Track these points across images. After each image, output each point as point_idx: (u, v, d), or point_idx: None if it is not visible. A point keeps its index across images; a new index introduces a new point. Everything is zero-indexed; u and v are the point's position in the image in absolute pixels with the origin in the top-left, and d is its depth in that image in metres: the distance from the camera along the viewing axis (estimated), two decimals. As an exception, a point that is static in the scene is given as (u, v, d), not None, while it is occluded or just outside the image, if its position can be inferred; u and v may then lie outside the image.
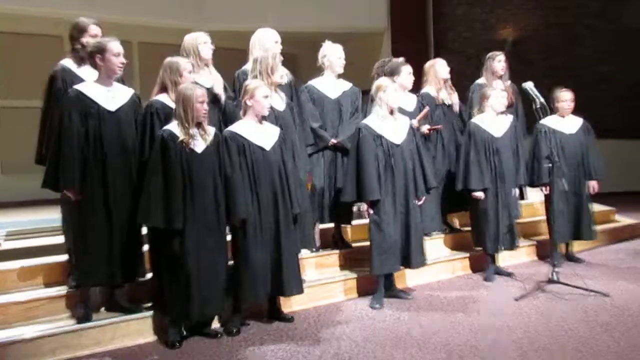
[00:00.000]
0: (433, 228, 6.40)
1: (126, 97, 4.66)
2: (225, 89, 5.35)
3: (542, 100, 5.76)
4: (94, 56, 4.56)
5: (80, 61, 4.78)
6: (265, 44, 5.40)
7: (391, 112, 5.37)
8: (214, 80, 5.27)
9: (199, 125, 4.49)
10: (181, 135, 4.40)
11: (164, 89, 4.74)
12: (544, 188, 6.32)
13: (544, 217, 6.73)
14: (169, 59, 4.78)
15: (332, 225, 5.99)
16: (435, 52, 11.70)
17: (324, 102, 5.77)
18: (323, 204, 5.76)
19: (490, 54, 6.90)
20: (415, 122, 5.81)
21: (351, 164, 5.30)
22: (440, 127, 6.28)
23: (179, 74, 4.72)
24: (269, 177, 4.67)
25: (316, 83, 5.84)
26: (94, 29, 4.95)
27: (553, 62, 11.12)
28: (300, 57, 8.75)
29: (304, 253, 5.55)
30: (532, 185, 6.50)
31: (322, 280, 5.61)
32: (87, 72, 4.74)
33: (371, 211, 5.24)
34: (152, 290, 4.78)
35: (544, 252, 6.88)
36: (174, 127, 4.44)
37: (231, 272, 4.65)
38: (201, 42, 5.21)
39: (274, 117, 5.07)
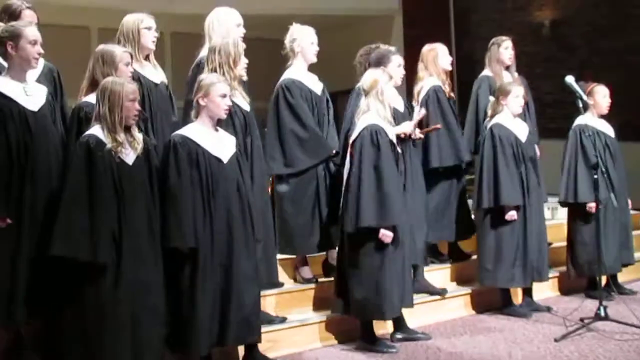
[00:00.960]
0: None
1: (42, 96, 4.63)
2: (169, 89, 5.35)
3: (585, 98, 5.78)
4: (4, 43, 4.51)
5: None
6: (226, 27, 5.38)
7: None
8: (161, 76, 5.23)
9: (127, 130, 4.43)
10: (108, 142, 4.34)
11: (93, 84, 4.66)
12: (589, 205, 6.29)
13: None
14: (101, 47, 4.73)
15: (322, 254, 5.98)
16: (457, 39, 11.66)
17: (314, 101, 5.80)
18: (325, 228, 5.79)
19: (494, 39, 6.88)
20: (407, 128, 5.74)
21: (368, 178, 5.22)
22: (438, 126, 6.19)
23: (114, 66, 4.66)
24: (225, 195, 4.61)
25: (297, 76, 5.79)
26: (29, 15, 4.94)
27: (599, 47, 10.85)
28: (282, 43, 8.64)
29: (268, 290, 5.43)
30: (569, 202, 6.48)
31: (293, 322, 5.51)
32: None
33: (390, 238, 5.19)
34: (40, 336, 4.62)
35: (578, 284, 6.88)
36: (98, 131, 4.38)
37: (171, 316, 4.54)
38: (143, 26, 5.15)
39: (242, 118, 5.10)
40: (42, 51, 4.54)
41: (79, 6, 9.39)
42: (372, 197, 5.14)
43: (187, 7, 9.94)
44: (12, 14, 4.89)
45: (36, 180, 4.44)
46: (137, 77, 4.92)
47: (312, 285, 5.84)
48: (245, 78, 5.18)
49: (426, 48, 6.48)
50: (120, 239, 4.30)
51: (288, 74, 5.78)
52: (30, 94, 4.57)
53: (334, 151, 5.70)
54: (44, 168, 4.49)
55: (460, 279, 6.62)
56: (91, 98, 4.62)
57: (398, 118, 5.68)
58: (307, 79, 5.78)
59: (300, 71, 5.76)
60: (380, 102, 5.30)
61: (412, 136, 5.75)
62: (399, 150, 5.36)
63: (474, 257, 6.49)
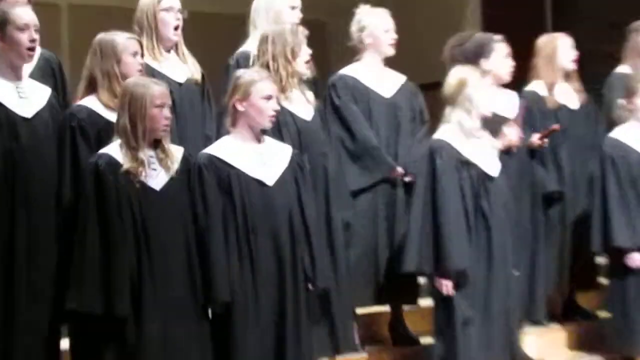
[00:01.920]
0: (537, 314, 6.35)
1: (44, 97, 4.73)
2: (205, 87, 5.44)
3: None
4: None
5: None
6: (275, 10, 5.52)
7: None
8: (192, 71, 5.35)
9: (156, 144, 4.50)
10: (126, 162, 4.40)
11: (92, 85, 4.75)
12: None
13: None
14: (99, 36, 4.81)
15: (383, 308, 6.04)
16: (554, 22, 11.10)
17: (372, 103, 5.84)
18: (374, 274, 5.78)
19: (636, 23, 6.79)
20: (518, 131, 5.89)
21: (419, 208, 5.29)
22: (557, 127, 6.22)
23: (116, 59, 4.71)
24: (271, 229, 4.65)
25: (354, 73, 5.89)
26: None
27: None
28: (331, 28, 8.32)
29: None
30: None
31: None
32: None
33: (450, 288, 5.18)
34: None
35: None
36: (114, 149, 4.46)
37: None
38: (161, 7, 5.24)
39: (295, 131, 5.16)
40: (36, 37, 4.60)
41: None
42: (419, 236, 5.25)
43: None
44: None
45: (31, 205, 4.55)
46: (151, 75, 4.97)
47: (364, 355, 5.79)
48: (307, 75, 5.26)
49: (543, 40, 6.52)
50: (141, 286, 4.37)
51: (343, 69, 5.90)
52: (25, 96, 4.65)
53: (398, 170, 5.74)
54: (40, 189, 4.59)
55: (577, 345, 6.51)
56: (87, 101, 4.71)
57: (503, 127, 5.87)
58: (368, 76, 5.85)
59: (364, 67, 5.88)
60: (467, 111, 5.29)
61: (530, 145, 6.00)
62: (493, 173, 5.34)
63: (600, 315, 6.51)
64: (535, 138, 6.14)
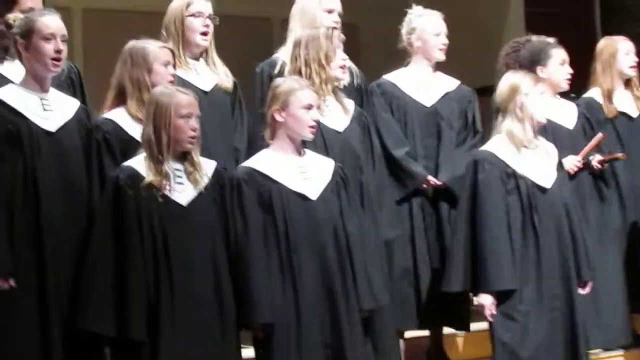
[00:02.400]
0: (613, 339, 6.24)
1: (70, 110, 4.76)
2: (237, 97, 5.48)
3: None
4: (15, 42, 4.64)
5: (3, 52, 4.88)
6: (312, 14, 5.52)
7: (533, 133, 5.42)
8: (222, 79, 5.39)
9: (184, 157, 4.52)
10: (148, 175, 4.42)
11: (121, 94, 4.79)
12: None
13: None
14: (130, 44, 4.85)
15: (424, 332, 6.04)
16: (603, 20, 11.02)
17: (410, 112, 5.88)
18: (414, 295, 5.81)
19: None
20: (574, 159, 5.92)
21: (462, 224, 5.29)
22: (621, 155, 6.23)
23: (147, 67, 4.76)
24: (315, 248, 4.68)
25: (396, 79, 5.93)
26: None
27: None
28: (362, 31, 8.43)
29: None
30: None
31: None
32: (15, 70, 4.86)
33: (493, 310, 5.15)
34: None
35: None
36: (137, 161, 4.50)
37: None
38: (189, 12, 5.27)
39: (327, 142, 5.18)
40: (62, 48, 4.60)
41: None
42: (463, 254, 5.25)
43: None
44: (6, 0, 5.02)
45: (56, 220, 4.55)
46: (176, 84, 4.98)
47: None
48: (343, 82, 5.28)
49: (601, 44, 6.51)
50: (158, 308, 4.37)
51: (386, 75, 5.95)
52: (50, 109, 4.66)
53: (431, 179, 5.77)
54: (65, 203, 4.59)
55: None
56: (115, 114, 4.75)
57: (563, 139, 5.84)
58: (410, 83, 5.89)
59: (411, 72, 5.93)
60: (519, 120, 5.27)
61: (590, 167, 5.99)
62: (546, 185, 5.30)
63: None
64: (595, 161, 6.07)
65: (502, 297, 5.19)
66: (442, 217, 5.83)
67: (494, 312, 5.15)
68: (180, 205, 4.49)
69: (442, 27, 5.88)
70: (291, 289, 4.65)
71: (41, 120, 4.63)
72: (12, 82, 4.78)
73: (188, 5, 5.28)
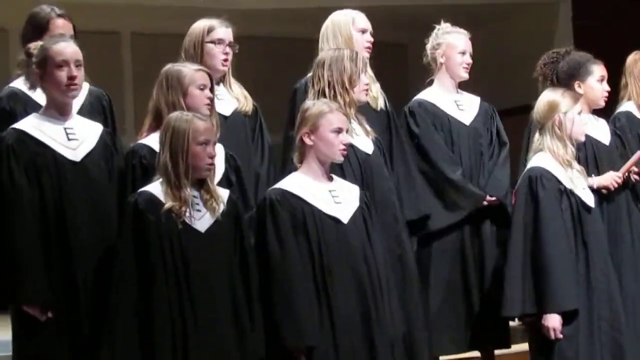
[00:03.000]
0: None
1: (94, 136, 4.75)
2: (258, 121, 5.47)
3: None
4: (34, 72, 4.65)
5: (33, 80, 4.81)
6: (347, 34, 5.48)
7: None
8: (241, 103, 5.39)
9: (200, 184, 4.49)
10: (167, 201, 4.40)
11: (159, 117, 4.77)
12: None
13: None
14: (166, 67, 4.85)
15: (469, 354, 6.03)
16: None
17: (454, 131, 5.90)
18: (461, 319, 5.81)
19: None
20: (614, 175, 5.76)
21: (520, 243, 5.22)
22: None
23: (183, 90, 4.73)
24: (348, 272, 4.66)
25: (433, 98, 5.92)
26: (60, 25, 5.10)
27: None
28: (411, 50, 8.40)
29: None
30: None
31: None
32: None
33: (558, 332, 5.09)
34: None
35: None
36: (155, 187, 4.48)
37: None
38: (210, 39, 5.25)
39: (357, 165, 5.16)
40: (76, 74, 4.58)
41: (106, 4, 9.68)
42: (521, 275, 5.18)
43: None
44: (38, 26, 5.07)
45: (82, 254, 4.55)
46: None
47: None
48: (365, 100, 5.22)
49: (631, 56, 6.35)
50: (185, 338, 4.34)
51: (420, 94, 5.93)
52: (75, 137, 4.67)
53: (489, 197, 5.77)
54: (94, 232, 4.60)
55: None
56: (151, 139, 4.74)
57: (601, 155, 5.79)
58: (447, 102, 5.89)
59: (440, 90, 5.91)
60: (558, 139, 5.25)
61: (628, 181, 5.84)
62: (591, 204, 5.29)
63: None
64: (634, 174, 5.94)
65: (565, 319, 5.13)
66: (485, 234, 5.83)
67: (559, 335, 5.09)
68: (199, 232, 4.47)
69: (468, 47, 5.88)
70: (327, 312, 4.62)
71: (66, 149, 4.63)
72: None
73: (209, 32, 5.25)
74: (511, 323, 5.87)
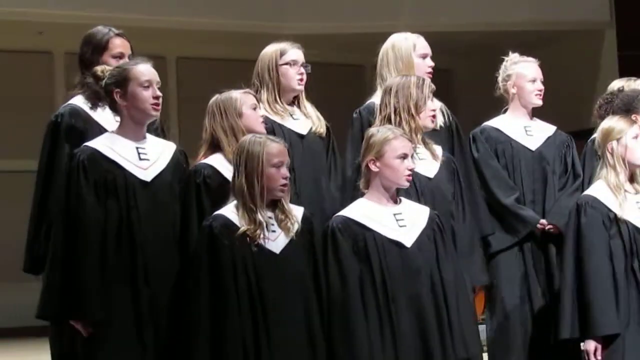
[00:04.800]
0: None
1: (166, 156, 4.78)
2: (331, 141, 5.45)
3: None
4: (111, 92, 4.68)
5: (95, 99, 4.86)
6: (404, 59, 5.47)
7: (631, 177, 5.31)
8: (316, 124, 5.39)
9: (274, 204, 4.50)
10: (243, 224, 4.41)
11: (215, 146, 4.84)
12: None
13: None
14: (214, 99, 4.89)
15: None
16: None
17: (517, 156, 5.92)
18: (527, 342, 5.78)
19: None
20: None
21: (570, 268, 5.19)
22: None
23: (237, 113, 4.80)
24: (412, 296, 4.63)
25: (499, 124, 5.95)
26: (119, 44, 5.14)
27: None
28: (457, 74, 7.98)
29: None
30: None
31: None
32: (107, 117, 4.92)
33: (598, 356, 5.05)
34: None
35: None
36: (230, 210, 4.48)
37: None
38: (284, 61, 5.27)
39: (418, 189, 5.14)
40: (160, 94, 4.66)
41: (151, 28, 9.70)
42: (571, 300, 5.15)
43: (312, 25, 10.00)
44: (97, 46, 5.07)
45: (150, 275, 4.58)
46: (270, 130, 5.04)
47: None
48: (437, 126, 5.21)
49: None
50: (259, 357, 4.35)
51: (491, 120, 5.97)
52: (146, 157, 4.71)
53: (543, 221, 5.76)
54: (161, 258, 4.61)
55: None
56: (213, 159, 4.78)
57: None
58: (514, 127, 5.90)
59: (510, 117, 5.94)
60: (611, 166, 5.20)
61: None
62: (636, 225, 5.19)
63: None
64: None
65: (607, 342, 5.08)
66: (551, 260, 5.80)
67: (599, 358, 5.03)
68: (274, 254, 4.46)
69: (538, 74, 5.88)
70: (390, 339, 4.58)
71: (137, 169, 4.66)
72: (104, 129, 4.85)
73: (282, 54, 5.26)
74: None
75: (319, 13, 10.43)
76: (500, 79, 5.96)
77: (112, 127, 4.81)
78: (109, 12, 9.33)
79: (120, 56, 5.02)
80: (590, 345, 5.02)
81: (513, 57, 5.94)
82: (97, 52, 5.05)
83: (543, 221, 5.76)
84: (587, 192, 5.29)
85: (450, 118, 5.53)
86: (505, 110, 5.97)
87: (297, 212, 4.59)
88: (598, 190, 5.21)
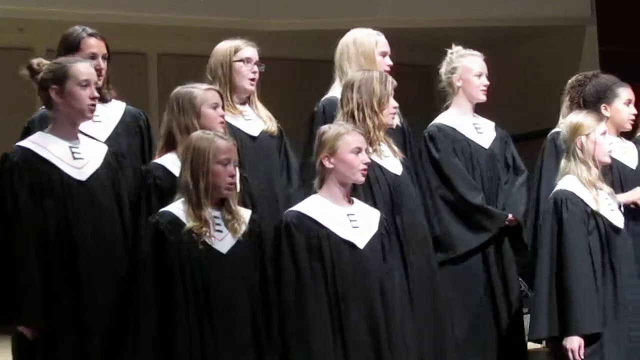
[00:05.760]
0: None
1: (98, 157, 4.71)
2: (283, 142, 5.42)
3: None
4: (47, 88, 4.60)
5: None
6: (366, 55, 5.46)
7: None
8: (267, 124, 5.35)
9: (222, 204, 4.45)
10: (188, 221, 4.35)
11: (171, 143, 4.77)
12: None
13: None
14: (176, 90, 4.84)
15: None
16: None
17: (475, 155, 5.93)
18: (489, 345, 5.78)
19: None
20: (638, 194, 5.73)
21: (547, 265, 5.18)
22: None
23: (195, 112, 4.72)
24: (361, 297, 4.61)
25: (452, 122, 5.90)
26: (92, 44, 5.09)
27: None
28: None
29: None
30: None
31: None
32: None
33: (579, 356, 5.04)
34: None
35: None
36: (176, 207, 4.44)
37: None
38: (237, 58, 5.24)
39: (386, 187, 5.12)
40: (97, 95, 4.60)
41: (133, 25, 9.76)
42: (548, 297, 5.12)
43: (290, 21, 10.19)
44: (70, 45, 5.03)
45: (94, 271, 4.51)
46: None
47: None
48: (393, 124, 5.19)
49: None
50: (204, 355, 4.32)
51: (439, 118, 5.91)
52: (80, 157, 4.63)
53: (510, 217, 5.74)
54: (100, 255, 4.55)
55: None
56: (165, 159, 4.72)
57: (627, 179, 5.73)
58: (466, 125, 5.87)
59: (458, 114, 5.88)
60: (582, 162, 5.21)
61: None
62: (620, 225, 5.24)
63: None
64: None
65: (586, 339, 5.07)
66: (506, 257, 5.80)
67: (582, 356, 5.03)
68: (221, 254, 4.42)
69: (484, 69, 5.85)
70: (340, 338, 4.56)
71: (71, 169, 4.60)
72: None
73: (236, 51, 5.21)
74: (535, 346, 5.83)
75: (299, 9, 10.42)
76: (444, 71, 5.91)
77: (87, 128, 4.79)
78: (91, 9, 9.30)
79: (93, 56, 4.97)
80: (574, 343, 5.02)
81: (458, 49, 5.90)
82: (70, 52, 5.00)
83: (510, 216, 5.74)
84: (562, 187, 5.26)
85: (402, 119, 5.50)
86: (447, 107, 5.93)
87: (245, 213, 4.55)
88: (573, 185, 5.21)
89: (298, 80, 10.72)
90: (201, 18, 9.94)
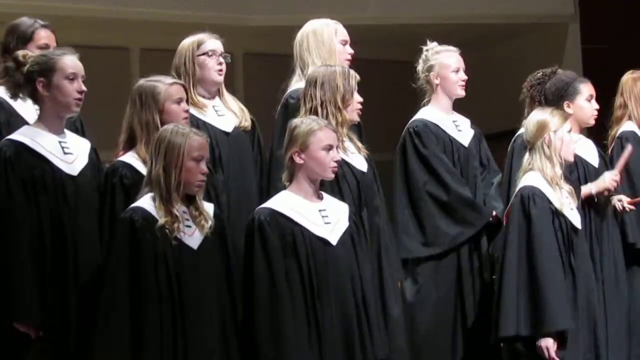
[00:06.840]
0: None
1: (85, 152, 4.74)
2: (256, 135, 5.45)
3: None
4: (33, 80, 4.59)
5: (16, 89, 4.78)
6: (327, 46, 5.43)
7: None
8: (240, 118, 5.33)
9: (189, 200, 4.45)
10: (160, 216, 4.35)
11: (132, 141, 4.73)
12: None
13: None
14: (139, 83, 4.78)
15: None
16: None
17: (455, 152, 5.92)
18: (456, 343, 5.80)
19: None
20: (612, 175, 5.74)
21: (515, 262, 5.16)
22: None
23: (157, 108, 4.65)
24: (336, 294, 4.62)
25: (433, 119, 5.89)
26: (44, 36, 5.13)
27: None
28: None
29: None
30: None
31: None
32: (28, 109, 4.85)
33: (553, 352, 5.04)
34: None
35: None
36: (147, 202, 4.41)
37: None
38: (201, 52, 5.22)
39: (355, 184, 5.13)
40: (84, 89, 4.60)
41: (115, 20, 9.64)
42: (516, 295, 5.12)
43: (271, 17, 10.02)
44: (22, 37, 5.07)
45: (81, 267, 4.54)
46: (194, 125, 4.92)
47: None
48: (357, 120, 5.16)
49: (628, 76, 6.31)
50: (175, 354, 4.31)
51: (420, 114, 5.88)
52: (70, 151, 4.66)
53: (494, 213, 5.78)
54: (90, 250, 4.57)
55: None
56: (128, 157, 4.68)
57: (590, 177, 5.75)
58: (447, 122, 5.89)
59: (438, 111, 5.88)
60: (548, 158, 5.22)
61: (618, 208, 5.77)
62: (579, 225, 5.29)
63: None
64: (619, 204, 5.87)
65: (562, 343, 5.09)
66: (483, 255, 5.82)
67: (554, 355, 5.03)
68: (192, 249, 4.44)
69: (461, 64, 5.86)
70: (315, 336, 4.57)
71: (63, 164, 4.62)
72: (26, 121, 4.77)
73: (199, 45, 5.19)
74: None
75: (285, 5, 10.32)
76: (420, 69, 5.90)
77: (33, 118, 4.74)
78: (73, 3, 9.25)
79: (46, 47, 4.98)
80: (548, 341, 5.02)
81: (433, 46, 5.90)
82: (22, 42, 5.01)
83: (494, 213, 5.75)
84: (527, 183, 5.25)
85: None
86: (425, 104, 5.91)
87: (209, 208, 4.56)
88: (537, 181, 5.22)
89: (284, 76, 10.72)
90: (185, 13, 9.77)
